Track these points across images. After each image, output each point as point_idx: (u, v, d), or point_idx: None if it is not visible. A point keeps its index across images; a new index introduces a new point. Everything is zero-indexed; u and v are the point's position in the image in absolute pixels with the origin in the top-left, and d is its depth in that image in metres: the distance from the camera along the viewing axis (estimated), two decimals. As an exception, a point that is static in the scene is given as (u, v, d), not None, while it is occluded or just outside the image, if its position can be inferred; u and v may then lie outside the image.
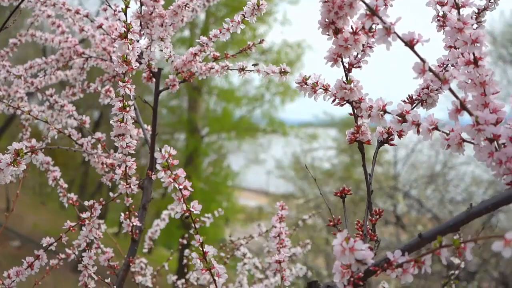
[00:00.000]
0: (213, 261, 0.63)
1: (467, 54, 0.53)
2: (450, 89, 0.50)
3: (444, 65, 0.68)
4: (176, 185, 0.60)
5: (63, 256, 1.06)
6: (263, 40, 0.97)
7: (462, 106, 0.51)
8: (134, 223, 0.95)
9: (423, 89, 0.67)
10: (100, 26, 1.02)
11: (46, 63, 1.16)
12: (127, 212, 0.94)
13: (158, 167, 0.60)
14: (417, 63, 0.50)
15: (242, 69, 0.93)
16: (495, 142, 0.50)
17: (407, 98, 0.67)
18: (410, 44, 0.50)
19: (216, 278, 0.63)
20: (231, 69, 0.94)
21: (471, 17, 0.63)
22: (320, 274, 5.71)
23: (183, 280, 1.32)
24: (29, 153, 0.63)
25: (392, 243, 6.33)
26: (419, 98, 0.67)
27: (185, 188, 0.61)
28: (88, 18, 1.06)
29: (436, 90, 0.66)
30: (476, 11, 0.69)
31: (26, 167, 0.69)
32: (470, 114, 0.50)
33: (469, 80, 0.54)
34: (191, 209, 0.62)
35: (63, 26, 1.17)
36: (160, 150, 0.59)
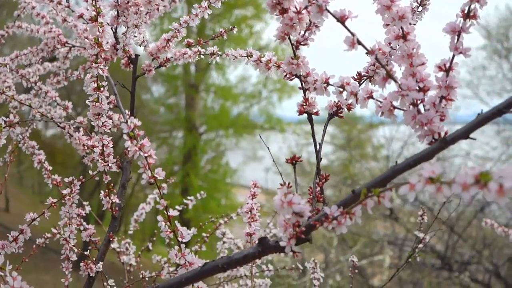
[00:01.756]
0: (176, 224, 0.70)
1: (396, 29, 0.59)
2: (377, 59, 0.56)
3: (390, 44, 0.73)
4: (142, 153, 0.66)
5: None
6: (234, 27, 1.03)
7: (388, 75, 0.57)
8: (114, 201, 1.01)
9: (370, 65, 0.72)
10: (81, 16, 1.08)
11: (32, 53, 1.22)
12: (106, 190, 1.00)
13: (125, 137, 0.66)
14: (347, 37, 0.56)
15: (213, 54, 0.99)
16: (418, 107, 0.56)
17: (356, 75, 0.73)
18: (341, 20, 0.56)
19: (179, 239, 0.69)
20: (203, 54, 1.00)
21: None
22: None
23: (165, 259, 1.38)
24: (7, 127, 0.69)
25: (386, 236, 6.42)
26: (367, 74, 0.73)
27: (150, 156, 0.67)
28: (70, 8, 1.12)
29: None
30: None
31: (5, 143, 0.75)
32: (395, 81, 0.56)
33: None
34: (156, 175, 0.68)
35: (47, 17, 1.23)
36: (127, 122, 0.65)
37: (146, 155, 0.67)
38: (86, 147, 1.06)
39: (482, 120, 0.51)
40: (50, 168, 1.14)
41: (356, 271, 1.27)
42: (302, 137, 10.56)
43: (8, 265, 0.68)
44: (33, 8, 1.23)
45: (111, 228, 1.04)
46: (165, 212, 0.69)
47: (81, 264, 1.00)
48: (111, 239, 1.03)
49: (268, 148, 1.00)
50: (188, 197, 1.42)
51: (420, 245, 1.13)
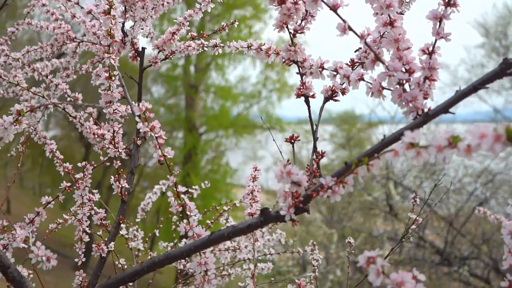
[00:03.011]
0: (185, 199, 0.76)
1: (384, 17, 0.65)
2: (366, 43, 0.62)
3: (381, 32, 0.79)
4: (153, 134, 0.72)
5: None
6: (235, 21, 1.09)
7: (376, 58, 0.63)
8: (123, 185, 1.07)
9: (362, 52, 0.78)
10: (89, 12, 1.14)
11: (42, 48, 1.28)
12: (116, 175, 1.06)
13: (137, 119, 0.72)
14: (339, 23, 0.62)
15: (215, 46, 1.05)
16: (404, 86, 0.62)
17: (349, 61, 0.79)
18: (334, 8, 0.62)
19: (188, 213, 0.75)
20: (206, 47, 1.06)
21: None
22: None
23: (171, 244, 1.44)
24: (29, 112, 0.75)
25: (386, 232, 6.47)
26: (359, 60, 0.79)
27: (160, 136, 0.73)
28: (78, 5, 1.18)
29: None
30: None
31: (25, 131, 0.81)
32: (383, 63, 0.62)
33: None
34: (166, 154, 0.74)
35: (57, 13, 1.29)
36: (139, 105, 0.71)
37: (156, 135, 0.73)
38: (96, 136, 1.11)
39: (460, 96, 0.57)
40: (61, 156, 1.20)
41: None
42: (302, 136, 10.62)
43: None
44: (43, 5, 1.29)
45: (121, 212, 1.09)
46: (175, 188, 0.75)
47: (93, 245, 1.06)
48: (121, 222, 1.09)
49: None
50: (193, 186, 1.48)
51: (413, 226, 1.19)
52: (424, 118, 0.58)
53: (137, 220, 1.52)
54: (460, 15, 0.68)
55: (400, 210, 7.10)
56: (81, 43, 1.27)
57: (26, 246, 0.73)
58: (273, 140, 1.05)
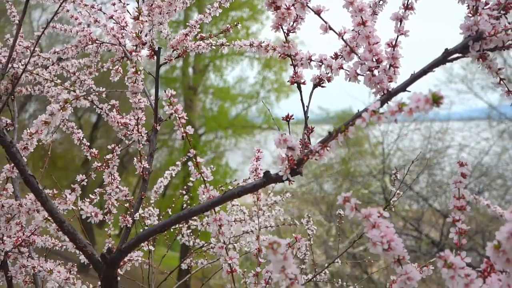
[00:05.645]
0: (203, 167, 0.94)
1: (358, 19, 0.83)
2: (343, 39, 0.80)
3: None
4: (176, 115, 0.91)
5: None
6: (238, 23, 1.28)
7: (351, 50, 0.81)
8: (144, 165, 1.25)
9: (343, 47, 0.96)
10: (111, 17, 1.32)
11: (68, 49, 1.46)
12: (139, 157, 1.24)
13: (164, 103, 0.90)
14: (322, 24, 0.80)
15: (222, 45, 1.23)
16: (373, 72, 0.80)
17: (333, 54, 0.97)
18: (317, 12, 0.80)
19: (205, 179, 0.93)
20: (214, 45, 1.24)
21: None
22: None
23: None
24: (74, 100, 0.93)
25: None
26: (341, 54, 0.97)
27: (182, 117, 0.91)
28: (101, 11, 1.36)
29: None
30: None
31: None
32: (356, 54, 0.80)
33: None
34: (187, 130, 0.92)
35: (80, 18, 1.46)
36: (165, 91, 0.90)
37: (179, 116, 0.91)
38: (119, 124, 1.29)
39: (413, 78, 0.75)
40: (88, 143, 1.38)
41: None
42: (300, 135, 10.79)
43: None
44: (68, 11, 1.47)
45: (142, 188, 1.27)
46: (194, 160, 0.93)
47: (120, 217, 1.24)
48: (142, 197, 1.27)
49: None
50: (210, 166, 1.66)
51: (394, 198, 1.37)
52: (387, 95, 0.76)
53: (151, 201, 1.70)
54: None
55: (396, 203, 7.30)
56: (102, 44, 1.45)
57: (75, 208, 0.90)
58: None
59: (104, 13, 1.37)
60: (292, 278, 0.66)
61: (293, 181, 0.86)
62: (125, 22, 1.31)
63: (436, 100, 0.57)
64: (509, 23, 0.76)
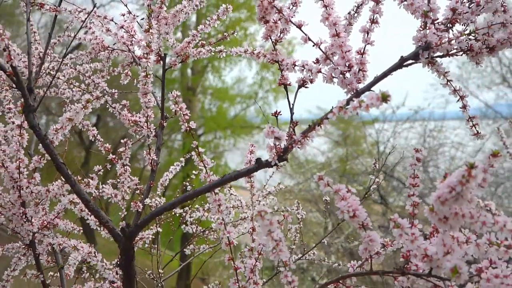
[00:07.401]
0: (204, 157, 1.11)
1: (333, 31, 1.00)
2: (319, 48, 0.97)
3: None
4: (181, 112, 1.08)
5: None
6: (234, 31, 1.45)
7: (326, 57, 0.98)
8: (153, 157, 1.42)
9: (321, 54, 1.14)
10: (122, 27, 1.49)
11: (82, 55, 1.63)
12: (148, 150, 1.41)
13: (171, 100, 1.07)
14: (302, 36, 0.98)
15: (221, 51, 1.40)
16: (345, 75, 0.98)
17: (315, 59, 1.15)
18: (298, 26, 0.97)
19: (206, 165, 1.11)
20: (213, 52, 1.42)
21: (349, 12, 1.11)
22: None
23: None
24: (95, 99, 1.10)
25: (377, 220, 6.85)
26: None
27: (186, 114, 1.09)
28: (113, 21, 1.53)
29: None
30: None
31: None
32: (331, 60, 0.98)
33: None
34: (190, 125, 1.09)
35: (93, 27, 1.64)
36: (171, 92, 1.07)
37: (184, 113, 1.08)
38: (130, 121, 1.47)
39: (377, 79, 0.93)
40: (101, 139, 1.55)
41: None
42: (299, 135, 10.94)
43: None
44: (82, 21, 1.64)
45: (151, 178, 1.45)
46: (197, 149, 1.11)
47: (132, 203, 1.41)
48: (151, 185, 1.44)
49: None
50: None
51: (374, 186, 1.54)
52: (356, 94, 0.94)
53: (158, 193, 1.87)
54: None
55: (390, 199, 7.48)
56: (113, 51, 1.62)
57: (98, 192, 1.07)
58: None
59: (116, 23, 1.55)
60: (277, 240, 0.84)
61: (281, 166, 1.03)
62: (134, 31, 1.48)
63: (384, 98, 0.75)
64: (459, 32, 0.94)
